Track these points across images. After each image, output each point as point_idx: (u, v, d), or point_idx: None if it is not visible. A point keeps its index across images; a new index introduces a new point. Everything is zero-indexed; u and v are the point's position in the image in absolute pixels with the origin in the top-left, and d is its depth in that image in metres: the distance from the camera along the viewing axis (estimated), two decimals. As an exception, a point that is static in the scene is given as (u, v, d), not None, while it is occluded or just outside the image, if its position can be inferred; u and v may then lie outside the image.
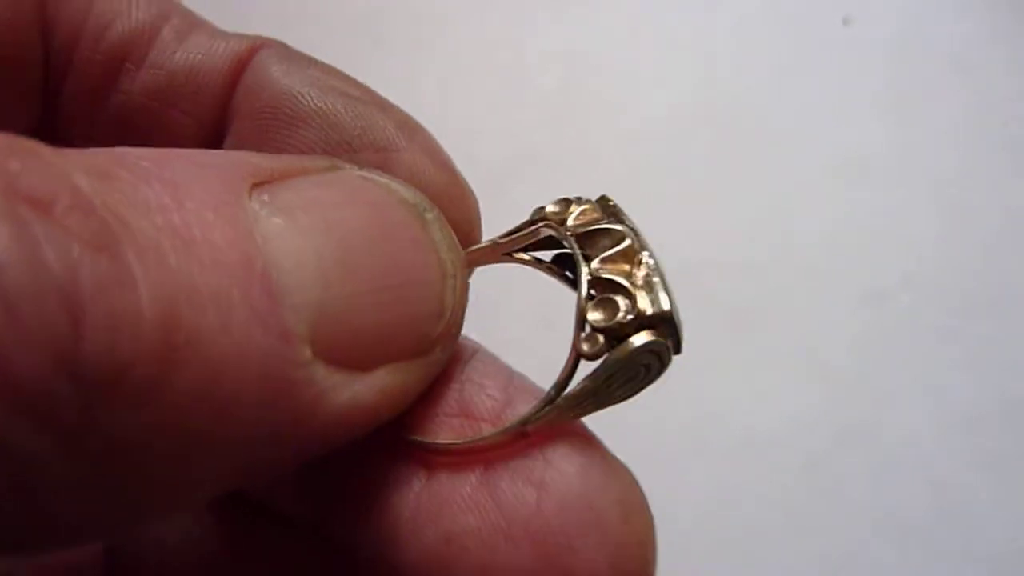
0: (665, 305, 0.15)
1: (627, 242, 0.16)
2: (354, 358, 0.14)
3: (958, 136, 0.48)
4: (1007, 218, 0.46)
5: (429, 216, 0.16)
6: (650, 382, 0.16)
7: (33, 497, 0.11)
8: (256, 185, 0.14)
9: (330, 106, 0.18)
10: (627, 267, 0.16)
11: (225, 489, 0.14)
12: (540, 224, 0.17)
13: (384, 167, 0.17)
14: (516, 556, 0.15)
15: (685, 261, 0.45)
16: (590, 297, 0.15)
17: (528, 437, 0.16)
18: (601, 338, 0.15)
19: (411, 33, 0.55)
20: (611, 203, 0.17)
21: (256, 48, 0.19)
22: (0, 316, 0.11)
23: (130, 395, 0.11)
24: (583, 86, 0.52)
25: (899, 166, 0.48)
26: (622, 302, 0.15)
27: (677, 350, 0.16)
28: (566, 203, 0.17)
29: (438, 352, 0.15)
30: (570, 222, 0.17)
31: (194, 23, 0.20)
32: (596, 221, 0.17)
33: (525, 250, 0.18)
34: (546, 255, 0.18)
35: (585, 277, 0.16)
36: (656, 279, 0.15)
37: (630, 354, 0.15)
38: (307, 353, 0.13)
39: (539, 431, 0.16)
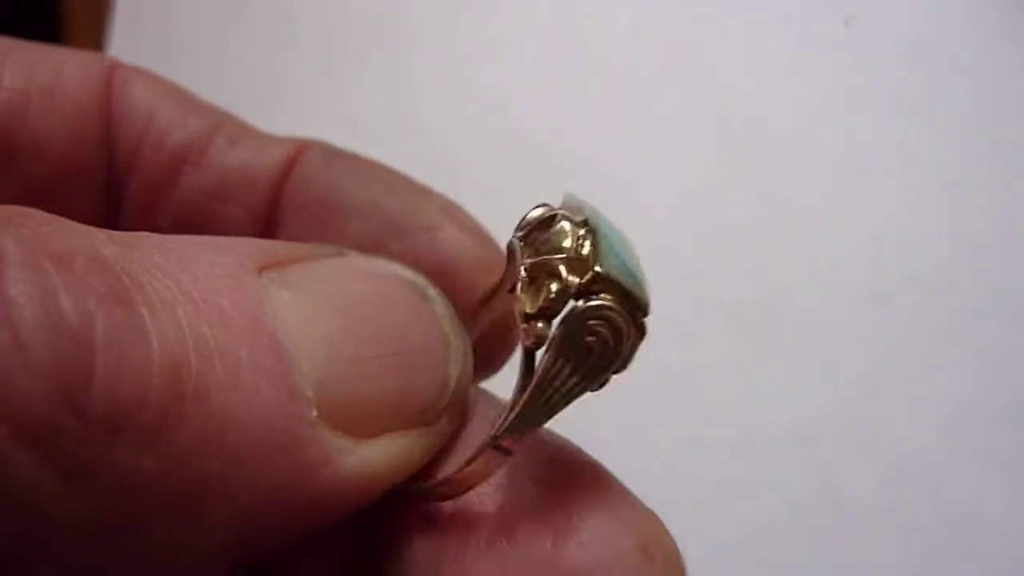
0: (596, 266, 0.14)
1: (561, 224, 0.15)
2: (359, 425, 0.14)
3: (964, 138, 0.48)
4: (1014, 220, 0.46)
5: (431, 292, 0.16)
6: (615, 358, 0.14)
7: (33, 530, 0.12)
8: (266, 267, 0.15)
9: (373, 195, 0.19)
10: (563, 246, 0.14)
11: (228, 557, 0.14)
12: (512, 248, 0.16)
13: (431, 245, 0.19)
14: None
15: (688, 262, 0.45)
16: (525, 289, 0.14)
17: (510, 452, 0.15)
18: (539, 324, 0.14)
19: (411, 33, 0.55)
20: (573, 196, 0.16)
21: (303, 148, 0.21)
22: (12, 350, 0.11)
23: (135, 438, 0.12)
24: (583, 86, 0.52)
25: (904, 168, 0.48)
26: (553, 283, 0.14)
27: (638, 312, 0.14)
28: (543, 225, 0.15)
29: (443, 423, 0.16)
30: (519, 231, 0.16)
31: (245, 129, 0.21)
32: (543, 216, 0.15)
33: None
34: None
35: (521, 273, 0.14)
36: (588, 242, 0.14)
37: (566, 326, 0.14)
38: (314, 414, 0.13)
39: (517, 441, 0.15)
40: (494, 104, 0.52)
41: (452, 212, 0.20)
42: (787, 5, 0.52)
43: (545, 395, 0.14)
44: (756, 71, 0.51)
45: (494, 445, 0.15)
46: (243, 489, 0.13)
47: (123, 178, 0.21)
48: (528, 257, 0.15)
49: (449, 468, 0.16)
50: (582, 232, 0.15)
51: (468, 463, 0.15)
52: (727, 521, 0.42)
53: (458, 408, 0.16)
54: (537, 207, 0.16)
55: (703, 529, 0.41)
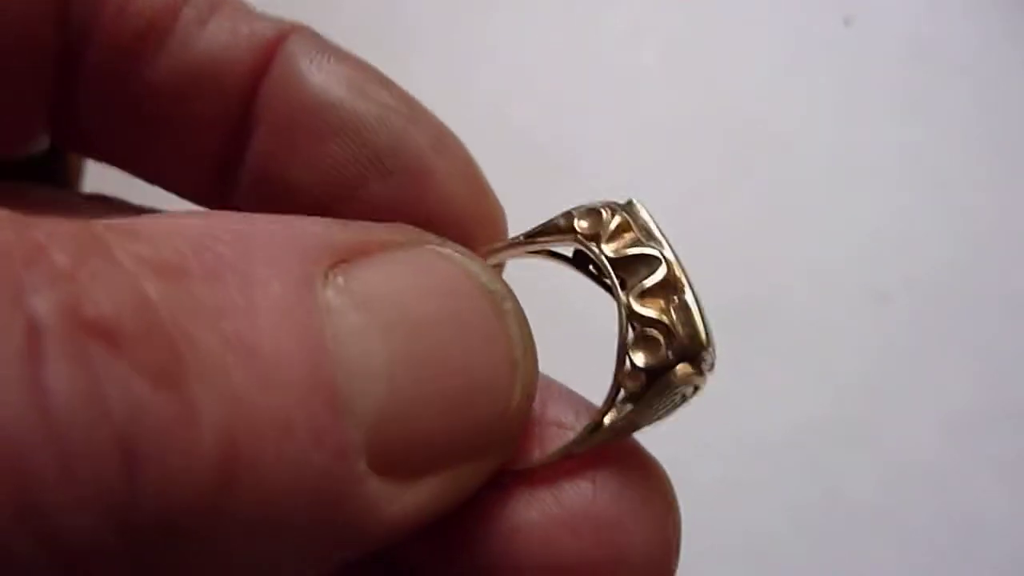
0: (703, 338, 0.16)
1: (663, 271, 0.16)
2: (408, 467, 0.13)
3: (964, 138, 0.48)
4: (1014, 220, 0.46)
5: (507, 307, 0.15)
6: (684, 405, 0.17)
7: None
8: (332, 265, 0.13)
9: (363, 119, 0.17)
10: (664, 297, 0.16)
11: None
12: (570, 238, 0.17)
13: (417, 191, 0.17)
14: (576, 546, 0.15)
15: (687, 262, 0.45)
16: (631, 333, 0.16)
17: (573, 458, 0.16)
18: (643, 376, 0.16)
19: (410, 33, 0.55)
20: (641, 213, 0.17)
21: (284, 36, 0.18)
22: (54, 471, 0.10)
23: (181, 538, 0.11)
24: (583, 87, 0.52)
25: (904, 168, 0.48)
26: (662, 339, 0.16)
27: (710, 370, 0.16)
28: (596, 215, 0.17)
29: (494, 454, 0.15)
30: (605, 245, 0.17)
31: (216, 2, 0.18)
32: (631, 243, 0.17)
33: (548, 254, 0.18)
34: (564, 248, 0.18)
35: (625, 312, 0.16)
36: (693, 308, 0.16)
37: (671, 388, 0.16)
38: (362, 466, 0.12)
39: (584, 453, 0.16)
40: (493, 105, 0.52)
41: (446, 149, 0.18)
42: (786, 5, 0.52)
43: (625, 428, 0.16)
44: (755, 71, 0.51)
45: (568, 456, 0.16)
46: (286, 560, 0.12)
47: (76, 57, 0.18)
48: (625, 286, 0.16)
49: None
50: (680, 283, 0.16)
51: (533, 470, 0.16)
52: (726, 522, 0.42)
53: (513, 439, 0.15)
54: (604, 208, 0.17)
55: (702, 530, 0.41)
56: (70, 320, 0.11)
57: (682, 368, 0.16)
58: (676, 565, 0.17)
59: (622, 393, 0.16)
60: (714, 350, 0.16)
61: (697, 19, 0.52)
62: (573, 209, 0.17)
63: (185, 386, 0.11)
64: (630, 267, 0.16)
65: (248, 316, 0.12)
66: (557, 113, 0.51)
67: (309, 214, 0.15)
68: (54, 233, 0.11)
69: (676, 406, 0.17)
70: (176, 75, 0.18)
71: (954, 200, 0.47)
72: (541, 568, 0.15)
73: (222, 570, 0.12)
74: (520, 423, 0.15)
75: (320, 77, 0.18)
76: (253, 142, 0.18)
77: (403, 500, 0.13)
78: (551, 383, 0.17)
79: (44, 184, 0.19)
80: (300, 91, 0.18)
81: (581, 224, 0.17)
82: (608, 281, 0.16)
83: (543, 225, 0.17)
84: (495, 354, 0.14)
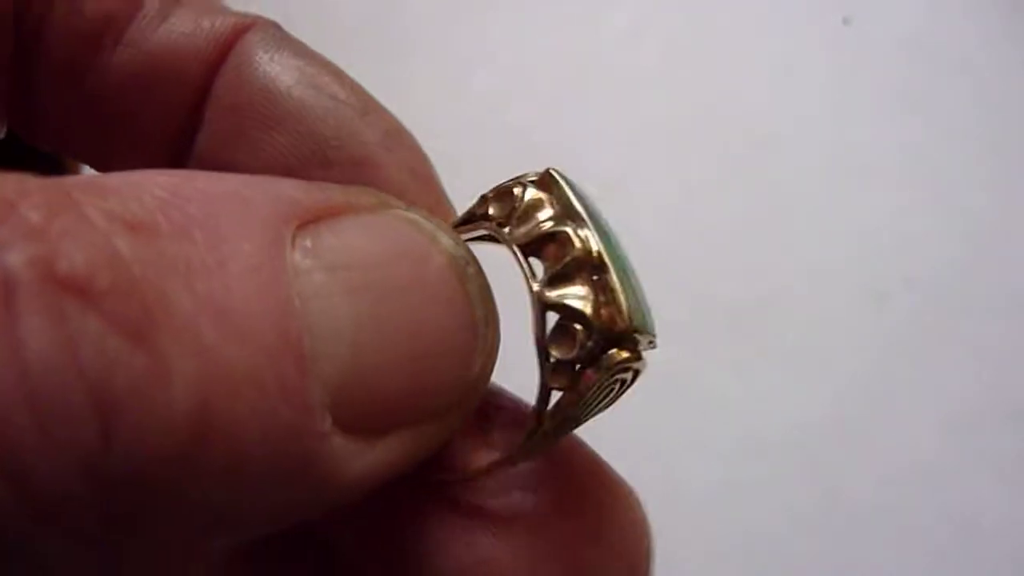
0: (627, 320, 0.14)
1: (578, 251, 0.15)
2: (372, 424, 0.13)
3: (963, 138, 0.48)
4: (1014, 220, 0.46)
5: (470, 272, 0.15)
6: (626, 391, 0.16)
7: None
8: (300, 226, 0.13)
9: (309, 109, 0.17)
10: (585, 280, 0.15)
11: (224, 553, 0.14)
12: (485, 225, 0.16)
13: (362, 183, 0.17)
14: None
15: (686, 262, 0.45)
16: (546, 324, 0.15)
17: (515, 464, 0.16)
18: (567, 370, 0.14)
19: (409, 33, 0.55)
20: (558, 182, 0.16)
21: (244, 29, 0.18)
22: (31, 425, 0.10)
23: (152, 492, 0.11)
24: (581, 87, 0.52)
25: (903, 168, 0.48)
26: (580, 328, 0.14)
27: (650, 348, 0.15)
28: (507, 195, 0.16)
29: (456, 413, 0.15)
30: (516, 229, 0.15)
31: None
32: (545, 223, 0.15)
33: (488, 239, 0.17)
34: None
35: (536, 305, 0.15)
36: (616, 288, 0.14)
37: (601, 377, 0.15)
38: (327, 424, 0.13)
39: (529, 459, 0.16)
40: (491, 105, 0.52)
41: (396, 143, 0.18)
42: (786, 5, 0.52)
43: (565, 426, 0.15)
44: (754, 70, 0.51)
45: (510, 462, 0.16)
46: (251, 511, 0.13)
47: (31, 52, 0.18)
48: (545, 286, 0.15)
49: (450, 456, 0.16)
50: (596, 257, 0.15)
51: (478, 473, 0.16)
52: (726, 523, 0.42)
53: (473, 401, 0.15)
54: (517, 184, 0.16)
55: (702, 531, 0.41)
56: (44, 275, 0.11)
57: (612, 355, 0.14)
58: None
59: (553, 392, 0.15)
60: (650, 328, 0.15)
61: (696, 19, 0.52)
62: (488, 191, 0.16)
63: (158, 342, 0.11)
64: (545, 250, 0.15)
65: (219, 275, 0.12)
66: (556, 113, 0.51)
67: None
68: (24, 190, 0.11)
69: (617, 393, 0.16)
70: (134, 66, 0.18)
71: (954, 200, 0.47)
72: None
73: (189, 521, 0.12)
74: (480, 387, 0.15)
75: (272, 68, 0.18)
76: (203, 130, 0.18)
77: (365, 458, 0.13)
78: (501, 390, 0.17)
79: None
80: (250, 81, 0.18)
81: (492, 209, 0.16)
82: (523, 273, 0.15)
83: (465, 213, 0.17)
84: (457, 318, 0.14)
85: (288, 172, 0.17)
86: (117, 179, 0.13)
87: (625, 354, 0.14)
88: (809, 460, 0.42)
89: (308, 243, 0.13)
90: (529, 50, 0.53)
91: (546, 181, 0.16)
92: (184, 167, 0.18)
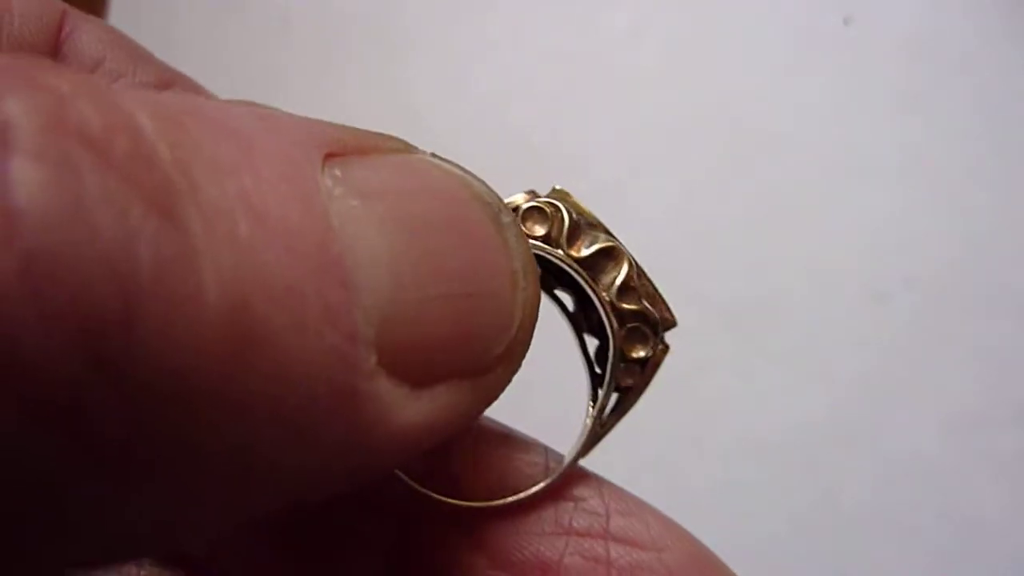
0: (673, 317, 0.17)
1: (627, 262, 0.17)
2: (416, 371, 0.12)
3: (963, 138, 0.48)
4: (1015, 220, 0.46)
5: (505, 220, 0.14)
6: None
7: (60, 513, 0.09)
8: (329, 156, 0.12)
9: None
10: (633, 288, 0.17)
11: (266, 513, 0.12)
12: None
13: None
14: None
15: (686, 262, 0.45)
16: (619, 330, 0.17)
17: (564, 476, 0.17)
18: (639, 367, 0.17)
19: (408, 32, 0.55)
20: (575, 200, 0.17)
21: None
22: (21, 294, 0.08)
23: (185, 404, 0.09)
24: (581, 86, 0.52)
25: (904, 167, 0.48)
26: (647, 328, 0.17)
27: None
28: (539, 214, 0.17)
29: (500, 371, 0.14)
30: (569, 247, 0.17)
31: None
32: (588, 239, 0.17)
33: None
34: None
35: (611, 312, 0.17)
36: (656, 288, 0.17)
37: (652, 372, 0.17)
38: (373, 361, 0.11)
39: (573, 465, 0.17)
40: (491, 105, 0.52)
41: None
42: (786, 4, 0.52)
43: (614, 424, 0.17)
44: (754, 71, 0.51)
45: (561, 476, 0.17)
46: (293, 452, 0.11)
47: None
48: (614, 296, 0.17)
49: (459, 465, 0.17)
50: (637, 266, 0.17)
51: (528, 496, 0.16)
52: (725, 524, 0.41)
53: (517, 357, 0.14)
54: (540, 204, 0.17)
55: (701, 531, 0.41)
56: (50, 123, 0.09)
57: (663, 350, 0.17)
58: None
59: (613, 393, 0.17)
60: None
61: (696, 19, 0.52)
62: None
63: (187, 224, 0.09)
64: (596, 264, 0.17)
65: (252, 178, 0.11)
66: (556, 113, 0.51)
67: None
68: (32, 58, 0.10)
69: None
70: None
71: (954, 200, 0.47)
72: None
73: (223, 458, 0.10)
74: (524, 344, 0.14)
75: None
76: None
77: (413, 408, 0.12)
78: (510, 431, 0.17)
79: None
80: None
81: (534, 228, 0.17)
82: (583, 283, 0.17)
83: None
84: (497, 264, 0.14)
85: None
86: (132, 88, 0.12)
87: (663, 345, 0.17)
88: (809, 460, 0.42)
89: (337, 172, 0.12)
90: (529, 50, 0.53)
91: (565, 197, 0.17)
92: None
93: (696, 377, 0.42)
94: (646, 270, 0.17)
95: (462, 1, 0.55)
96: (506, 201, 0.16)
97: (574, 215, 0.17)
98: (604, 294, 0.16)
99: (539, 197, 0.17)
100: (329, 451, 0.11)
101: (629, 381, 0.17)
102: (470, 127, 0.51)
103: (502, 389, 0.14)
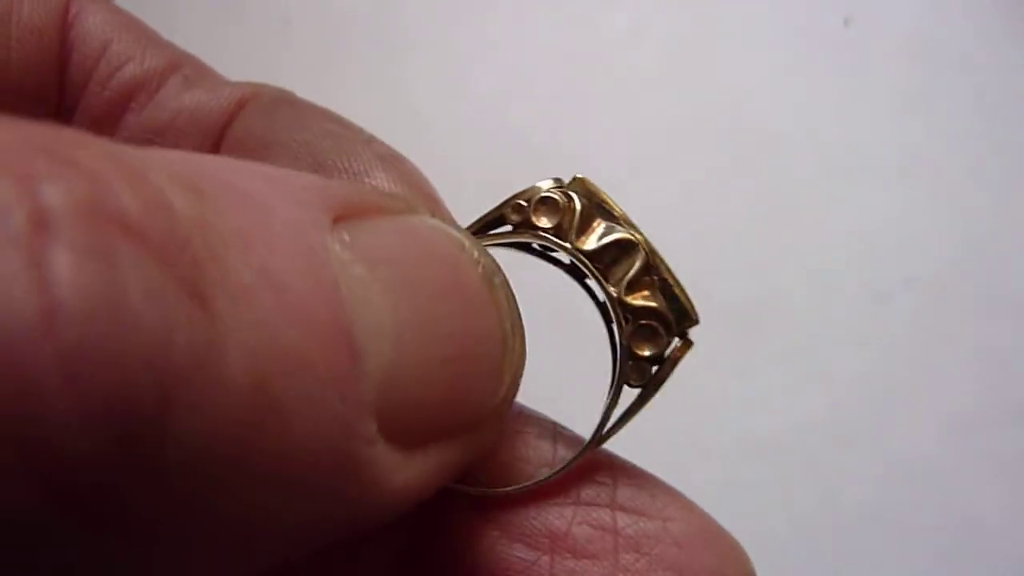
0: (694, 314, 0.16)
1: (642, 255, 0.16)
2: (412, 434, 0.13)
3: (963, 138, 0.48)
4: (1014, 220, 0.46)
5: (496, 281, 0.15)
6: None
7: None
8: (337, 219, 0.13)
9: (307, 137, 0.18)
10: (647, 281, 0.16)
11: (270, 565, 0.13)
12: (530, 235, 0.17)
13: None
14: None
15: (686, 262, 0.45)
16: (627, 327, 0.16)
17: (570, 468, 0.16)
18: (648, 366, 0.16)
19: (408, 32, 0.55)
20: (594, 188, 0.17)
21: (255, 93, 0.20)
22: (58, 387, 0.08)
23: (207, 476, 0.10)
24: (581, 86, 0.52)
25: (904, 168, 0.48)
26: (660, 326, 0.16)
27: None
28: (552, 204, 0.16)
29: (489, 427, 0.15)
30: (578, 239, 0.16)
31: (203, 72, 0.20)
32: (601, 230, 0.16)
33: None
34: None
35: (618, 307, 0.16)
36: (677, 287, 0.16)
37: (666, 371, 0.16)
38: (374, 428, 0.12)
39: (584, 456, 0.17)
40: (491, 105, 0.52)
41: (389, 162, 0.18)
42: (786, 5, 0.52)
43: (628, 420, 0.17)
44: (755, 71, 0.51)
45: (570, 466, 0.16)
46: (297, 510, 0.12)
47: (71, 109, 0.19)
48: (623, 291, 0.16)
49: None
50: (655, 260, 0.16)
51: (540, 481, 0.16)
52: (725, 524, 0.41)
53: (505, 412, 0.15)
54: (554, 192, 0.16)
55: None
56: (89, 210, 0.09)
57: (678, 347, 0.16)
58: None
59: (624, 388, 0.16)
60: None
61: (697, 19, 0.52)
62: (519, 198, 0.17)
63: (215, 305, 0.10)
64: (606, 256, 0.16)
65: (268, 248, 0.11)
66: (556, 113, 0.51)
67: None
68: (60, 133, 0.10)
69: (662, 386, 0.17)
70: (160, 122, 0.20)
71: (954, 200, 0.47)
72: None
73: (236, 521, 0.11)
74: (510, 399, 0.15)
75: (278, 115, 0.19)
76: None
77: (407, 470, 0.13)
78: (522, 408, 0.17)
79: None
80: (258, 125, 0.19)
81: (542, 219, 0.16)
82: (591, 277, 0.16)
83: (489, 218, 0.17)
84: (489, 327, 0.14)
85: None
86: (155, 150, 0.12)
87: (683, 343, 0.16)
88: (809, 460, 0.42)
89: (345, 236, 0.13)
90: (529, 50, 0.53)
91: (583, 185, 0.17)
92: None
93: (696, 377, 0.42)
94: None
95: (462, 1, 0.55)
96: (534, 186, 0.17)
97: (587, 205, 0.16)
98: (612, 288, 0.16)
99: (563, 185, 0.17)
100: (330, 509, 0.12)
101: (637, 378, 0.16)
102: (470, 127, 0.51)
103: (492, 443, 0.15)
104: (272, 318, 0.11)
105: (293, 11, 0.58)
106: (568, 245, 0.16)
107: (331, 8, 0.57)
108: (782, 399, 0.43)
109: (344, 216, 0.13)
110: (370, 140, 0.19)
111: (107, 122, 0.20)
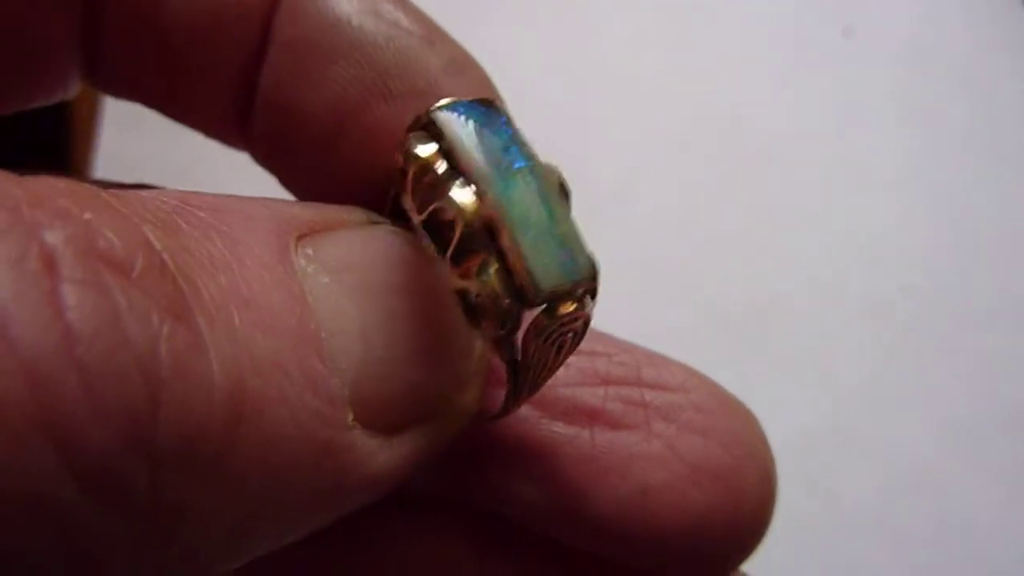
0: (534, 293, 0.13)
1: (468, 214, 0.13)
2: (387, 421, 0.14)
3: (962, 147, 0.48)
4: (1012, 229, 0.46)
5: None
6: (582, 338, 0.15)
7: (97, 568, 0.11)
8: (300, 237, 0.14)
9: (370, 39, 0.17)
10: (482, 248, 0.14)
11: (264, 551, 0.14)
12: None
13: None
14: (703, 498, 0.17)
15: (686, 270, 0.45)
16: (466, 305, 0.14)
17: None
18: (508, 343, 0.14)
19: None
20: (439, 122, 0.14)
21: None
22: (79, 393, 0.10)
23: (197, 468, 0.12)
24: (582, 95, 0.52)
25: (902, 177, 0.48)
26: (491, 304, 0.14)
27: (594, 290, 0.14)
28: (408, 158, 0.15)
29: (460, 409, 0.16)
30: (409, 199, 0.15)
31: None
32: (433, 186, 0.14)
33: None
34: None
35: (451, 285, 0.14)
36: (510, 252, 0.13)
37: (538, 340, 0.14)
38: (350, 417, 0.14)
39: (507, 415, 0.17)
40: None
41: (461, 72, 0.18)
42: (785, 16, 0.52)
43: (529, 383, 0.16)
44: (754, 81, 0.51)
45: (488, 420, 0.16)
46: (281, 502, 0.13)
47: (101, 4, 0.18)
48: (451, 268, 0.14)
49: None
50: (486, 215, 0.13)
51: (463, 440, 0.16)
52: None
53: (476, 393, 0.16)
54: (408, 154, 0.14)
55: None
56: (85, 251, 0.11)
57: (541, 319, 0.14)
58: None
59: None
60: (578, 278, 0.14)
61: (697, 29, 0.53)
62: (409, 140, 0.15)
63: (194, 322, 0.12)
64: (440, 221, 0.14)
65: (239, 270, 0.13)
66: (556, 122, 0.52)
67: (316, 139, 0.17)
68: (52, 185, 0.12)
69: (572, 343, 0.15)
70: (199, 6, 0.18)
71: (953, 208, 0.47)
72: (674, 525, 0.17)
73: (230, 505, 0.12)
74: (480, 381, 0.16)
75: (332, 1, 0.17)
76: (265, 67, 0.18)
77: (386, 453, 0.14)
78: None
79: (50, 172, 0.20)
80: (308, 12, 0.17)
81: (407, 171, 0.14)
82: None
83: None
84: (449, 318, 0.15)
85: (350, 107, 0.17)
86: (129, 191, 0.13)
87: (570, 310, 0.13)
88: (808, 466, 0.43)
89: (309, 251, 0.14)
90: (529, 58, 0.54)
91: (432, 126, 0.14)
92: (249, 107, 0.19)
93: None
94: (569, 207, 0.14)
95: (462, 9, 0.56)
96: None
97: (427, 155, 0.14)
98: (441, 261, 0.14)
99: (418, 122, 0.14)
100: (313, 496, 0.14)
101: (505, 357, 0.15)
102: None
103: (465, 421, 0.16)
104: (245, 328, 0.12)
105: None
106: (407, 207, 0.15)
107: None
108: (781, 405, 0.44)
109: (307, 233, 0.15)
110: (434, 39, 0.18)
111: (144, 12, 0.18)
